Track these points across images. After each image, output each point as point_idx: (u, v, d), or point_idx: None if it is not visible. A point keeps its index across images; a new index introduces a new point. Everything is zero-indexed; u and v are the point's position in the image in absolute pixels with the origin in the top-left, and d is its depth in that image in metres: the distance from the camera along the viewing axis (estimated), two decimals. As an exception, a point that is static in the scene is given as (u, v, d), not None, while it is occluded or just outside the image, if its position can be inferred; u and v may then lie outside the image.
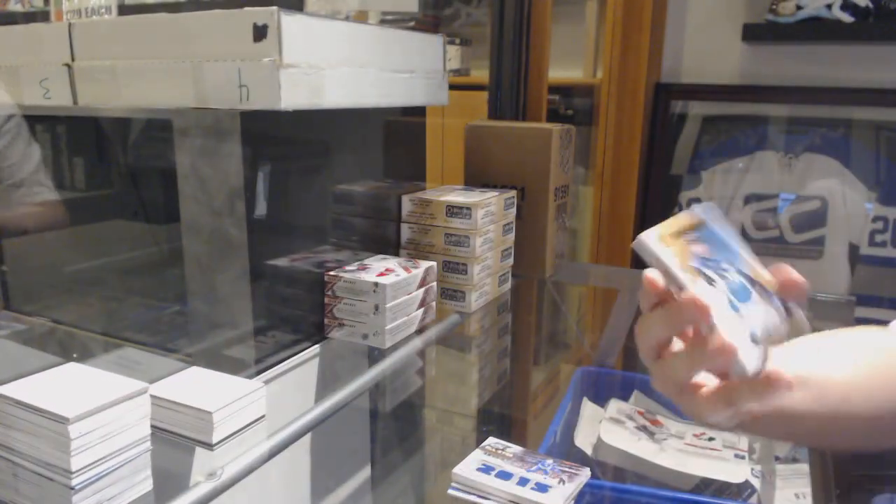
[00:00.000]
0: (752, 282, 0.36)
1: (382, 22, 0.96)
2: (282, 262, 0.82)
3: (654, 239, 0.36)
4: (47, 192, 0.95)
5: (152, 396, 0.60)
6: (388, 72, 0.89)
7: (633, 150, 1.40)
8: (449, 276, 0.92)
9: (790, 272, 0.37)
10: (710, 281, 0.35)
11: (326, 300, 0.82)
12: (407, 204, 0.94)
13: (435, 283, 0.87)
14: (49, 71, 0.82)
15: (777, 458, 0.94)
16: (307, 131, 0.87)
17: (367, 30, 0.87)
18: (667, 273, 0.35)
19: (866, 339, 0.46)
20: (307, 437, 0.79)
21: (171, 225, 0.80)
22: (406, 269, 0.82)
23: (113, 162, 0.95)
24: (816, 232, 1.29)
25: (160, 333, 0.85)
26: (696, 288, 0.34)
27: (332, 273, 0.81)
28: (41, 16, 0.91)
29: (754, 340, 0.33)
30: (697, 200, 1.39)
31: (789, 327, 0.37)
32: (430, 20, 1.35)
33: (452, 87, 1.09)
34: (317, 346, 0.82)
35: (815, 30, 1.25)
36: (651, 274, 0.37)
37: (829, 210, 1.28)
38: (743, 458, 0.90)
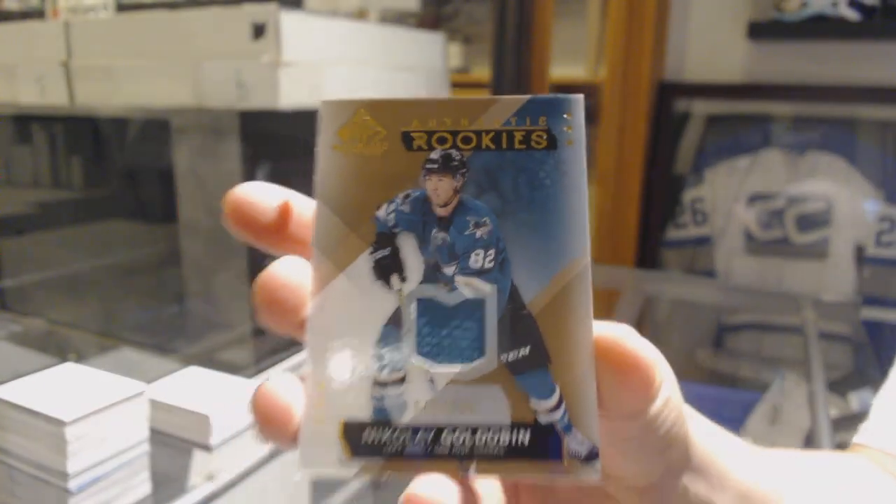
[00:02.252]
0: None
1: (383, 20, 0.95)
2: (281, 262, 0.82)
3: None
4: None
5: (150, 399, 0.60)
6: (388, 70, 0.89)
7: (636, 148, 1.39)
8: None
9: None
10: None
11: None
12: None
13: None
14: (45, 69, 0.81)
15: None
16: (306, 130, 0.86)
17: (367, 28, 0.86)
18: None
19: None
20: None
21: (170, 225, 0.80)
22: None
23: (110, 161, 0.94)
24: (821, 232, 1.28)
25: (158, 333, 0.85)
26: None
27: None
28: (38, 14, 0.91)
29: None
30: (701, 200, 1.38)
31: None
32: (430, 18, 1.35)
33: (453, 85, 1.08)
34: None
35: (820, 27, 1.24)
36: None
37: (835, 210, 1.27)
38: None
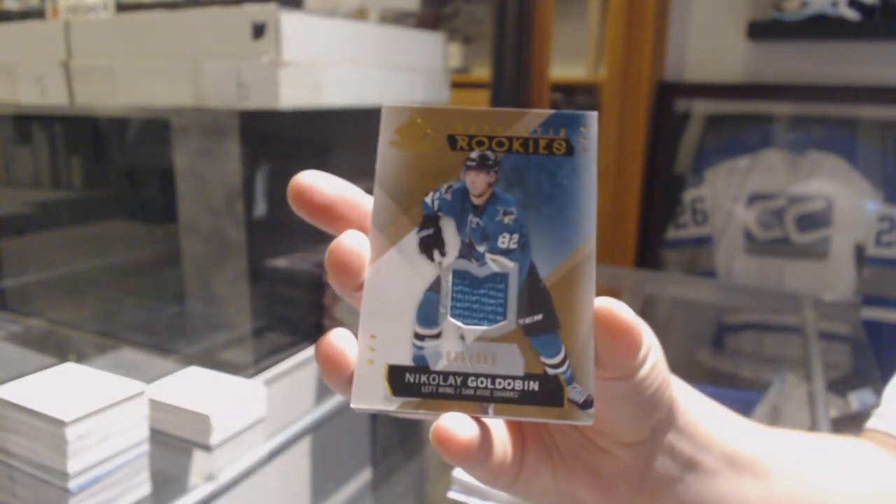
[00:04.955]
0: None
1: (383, 20, 0.95)
2: (281, 262, 0.82)
3: None
4: None
5: (150, 399, 0.60)
6: (388, 70, 0.89)
7: (636, 149, 1.38)
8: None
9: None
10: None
11: (326, 301, 0.82)
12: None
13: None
14: (45, 69, 0.81)
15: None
16: (307, 130, 0.86)
17: (368, 28, 0.86)
18: None
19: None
20: (307, 439, 0.78)
21: (170, 225, 0.80)
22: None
23: (110, 161, 0.94)
24: (822, 232, 1.28)
25: (158, 333, 0.85)
26: None
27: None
28: (38, 14, 0.91)
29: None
30: (701, 200, 1.38)
31: None
32: (430, 18, 1.34)
33: (453, 85, 1.08)
34: (316, 347, 0.82)
35: (820, 27, 1.24)
36: None
37: (835, 210, 1.27)
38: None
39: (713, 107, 1.41)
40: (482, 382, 0.19)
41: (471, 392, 0.19)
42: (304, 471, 0.79)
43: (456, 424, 0.18)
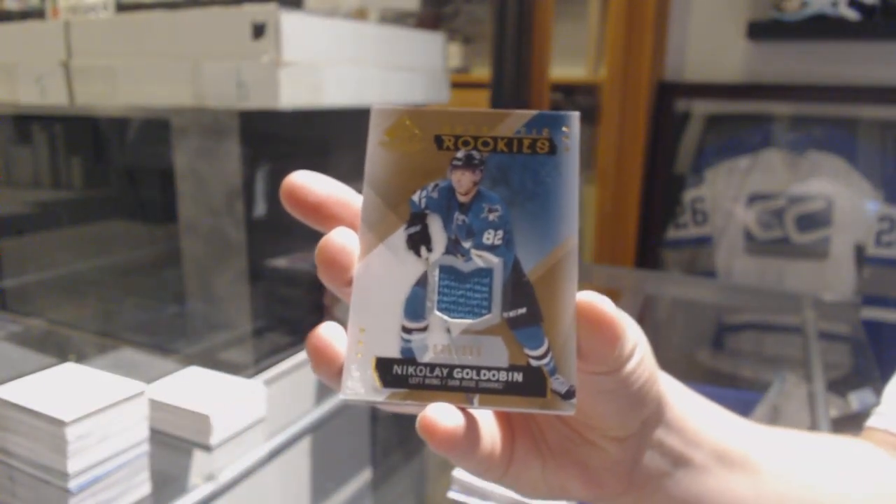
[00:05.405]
0: None
1: (382, 20, 0.95)
2: (281, 262, 0.82)
3: None
4: None
5: (150, 399, 0.60)
6: (388, 70, 0.89)
7: (636, 149, 1.38)
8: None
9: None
10: None
11: (326, 301, 0.82)
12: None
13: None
14: (45, 69, 0.81)
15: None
16: (307, 130, 0.86)
17: (368, 28, 0.86)
18: None
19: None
20: (307, 439, 0.78)
21: (170, 225, 0.80)
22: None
23: (110, 161, 0.94)
24: (822, 232, 1.28)
25: (158, 333, 0.85)
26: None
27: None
28: (38, 14, 0.91)
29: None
30: (701, 200, 1.38)
31: None
32: (430, 18, 1.34)
33: (453, 85, 1.08)
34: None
35: (820, 27, 1.24)
36: None
37: (835, 210, 1.27)
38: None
39: (713, 107, 1.41)
40: (467, 374, 0.20)
41: (456, 383, 0.20)
42: (304, 471, 0.79)
43: (441, 414, 0.18)
